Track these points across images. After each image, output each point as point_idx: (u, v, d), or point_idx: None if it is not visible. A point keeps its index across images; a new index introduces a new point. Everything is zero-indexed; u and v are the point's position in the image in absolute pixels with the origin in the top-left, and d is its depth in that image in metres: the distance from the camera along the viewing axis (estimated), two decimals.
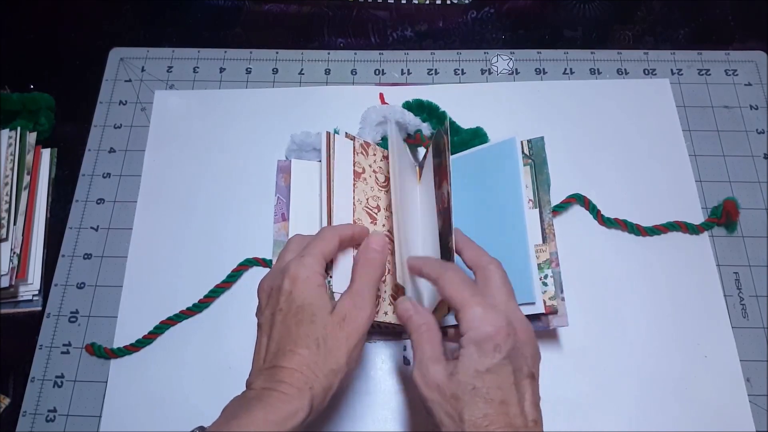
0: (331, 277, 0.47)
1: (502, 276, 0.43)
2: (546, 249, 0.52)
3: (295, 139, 0.60)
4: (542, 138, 0.56)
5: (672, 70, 0.67)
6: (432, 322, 0.42)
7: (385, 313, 0.50)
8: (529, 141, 0.57)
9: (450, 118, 0.63)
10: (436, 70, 0.68)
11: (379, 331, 0.55)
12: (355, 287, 0.43)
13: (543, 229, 0.53)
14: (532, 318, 0.50)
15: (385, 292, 0.51)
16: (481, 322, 0.39)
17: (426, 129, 0.62)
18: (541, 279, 0.51)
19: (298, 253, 0.44)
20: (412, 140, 0.62)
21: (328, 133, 0.53)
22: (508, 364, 0.39)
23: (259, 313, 0.45)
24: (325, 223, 0.50)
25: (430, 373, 0.40)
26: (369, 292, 0.43)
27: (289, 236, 0.51)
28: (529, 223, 0.53)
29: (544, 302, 0.50)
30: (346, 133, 0.55)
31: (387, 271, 0.51)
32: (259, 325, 0.44)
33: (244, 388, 0.41)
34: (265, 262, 0.58)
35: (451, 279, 0.42)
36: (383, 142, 0.60)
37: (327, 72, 0.69)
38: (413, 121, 0.61)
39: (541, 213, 0.54)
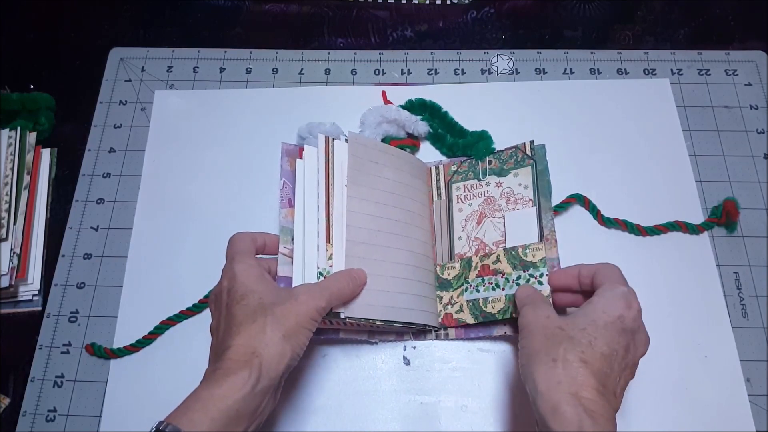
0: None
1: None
2: (542, 247, 0.52)
3: (302, 133, 0.60)
4: (543, 146, 0.56)
5: (672, 70, 0.67)
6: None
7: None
8: (531, 141, 0.57)
9: (455, 121, 0.63)
10: (436, 70, 0.68)
11: (378, 330, 0.55)
12: (323, 284, 0.46)
13: (540, 228, 0.53)
14: None
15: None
16: (619, 296, 0.42)
17: (423, 127, 0.62)
18: (537, 278, 0.51)
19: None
20: (410, 140, 0.62)
21: (327, 138, 0.53)
22: (623, 339, 0.41)
23: (212, 321, 0.46)
24: (323, 228, 0.51)
25: (544, 309, 0.44)
26: (329, 297, 0.45)
27: (296, 222, 0.51)
28: (526, 221, 0.53)
29: None
30: (345, 139, 0.55)
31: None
32: (211, 331, 0.46)
33: None
34: None
35: (609, 269, 0.46)
36: (385, 142, 0.61)
37: (327, 72, 0.69)
38: (409, 118, 0.61)
39: (539, 213, 0.54)
